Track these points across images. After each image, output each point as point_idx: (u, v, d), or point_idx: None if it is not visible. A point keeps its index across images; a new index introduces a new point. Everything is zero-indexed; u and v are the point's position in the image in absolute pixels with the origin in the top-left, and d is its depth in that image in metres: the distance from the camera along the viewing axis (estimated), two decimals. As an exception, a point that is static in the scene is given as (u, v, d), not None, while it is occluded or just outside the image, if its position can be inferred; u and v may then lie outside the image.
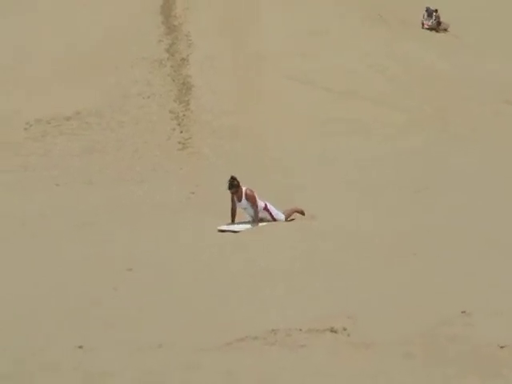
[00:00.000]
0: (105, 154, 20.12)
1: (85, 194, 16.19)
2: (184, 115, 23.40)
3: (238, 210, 12.62)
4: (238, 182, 12.53)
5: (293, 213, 12.65)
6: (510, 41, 33.28)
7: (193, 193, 15.85)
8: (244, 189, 12.48)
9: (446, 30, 35.69)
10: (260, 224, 12.31)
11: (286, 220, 12.48)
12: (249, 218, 12.59)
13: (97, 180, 17.85)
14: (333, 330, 6.63)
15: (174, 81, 26.95)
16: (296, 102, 24.20)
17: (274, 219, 12.43)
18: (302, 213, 12.71)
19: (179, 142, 21.14)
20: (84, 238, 11.55)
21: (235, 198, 12.50)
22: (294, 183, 15.80)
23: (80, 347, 6.65)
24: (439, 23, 35.52)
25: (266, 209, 12.49)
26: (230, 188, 12.48)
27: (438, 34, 34.78)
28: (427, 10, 36.13)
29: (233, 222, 12.49)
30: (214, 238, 11.31)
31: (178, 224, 12.45)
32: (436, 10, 35.54)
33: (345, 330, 6.64)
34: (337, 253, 9.51)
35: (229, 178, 12.66)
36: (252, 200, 12.36)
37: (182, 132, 21.99)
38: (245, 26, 34.07)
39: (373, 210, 12.62)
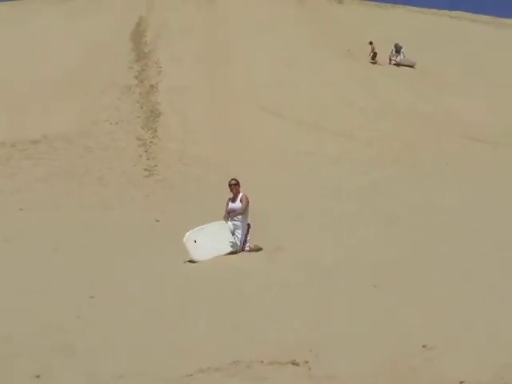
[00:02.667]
0: (70, 179, 20.01)
1: (49, 220, 16.04)
2: (151, 142, 23.44)
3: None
4: (238, 182, 12.95)
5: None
6: (474, 79, 34.01)
7: (158, 220, 15.79)
8: (241, 194, 12.80)
9: (412, 66, 36.36)
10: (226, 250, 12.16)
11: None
12: (231, 226, 12.52)
13: (62, 205, 17.71)
14: (294, 363, 6.60)
15: (142, 108, 27.02)
16: (267, 133, 24.41)
17: (244, 239, 12.54)
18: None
19: (145, 169, 21.11)
20: (48, 264, 11.42)
21: (229, 201, 12.76)
22: (263, 214, 15.83)
23: (37, 377, 6.54)
24: (375, 54, 36.24)
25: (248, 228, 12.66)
26: (232, 180, 12.89)
27: (406, 71, 35.41)
28: (396, 46, 36.86)
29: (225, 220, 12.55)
30: (178, 265, 11.24)
31: (143, 251, 12.37)
32: (371, 42, 36.26)
33: (306, 362, 6.62)
34: (303, 285, 9.49)
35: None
36: (245, 203, 12.64)
37: (148, 159, 22.00)
38: (217, 56, 34.36)
39: (342, 241, 12.66)
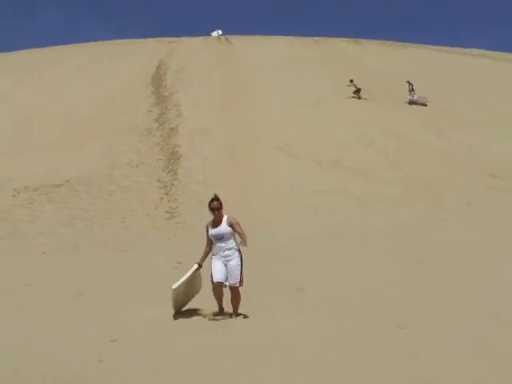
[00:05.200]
0: (92, 222, 20.12)
1: (71, 263, 16.11)
2: (172, 184, 23.53)
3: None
4: (221, 203, 10.58)
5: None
6: (491, 114, 33.93)
7: (180, 263, 15.75)
8: (226, 216, 10.55)
9: (425, 105, 36.25)
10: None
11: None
12: (220, 252, 10.47)
13: (84, 248, 17.79)
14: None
15: (162, 150, 27.23)
16: (286, 174, 24.43)
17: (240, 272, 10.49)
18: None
19: (167, 212, 21.17)
20: (69, 308, 11.44)
21: (210, 226, 10.54)
22: (284, 254, 15.81)
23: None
24: (358, 90, 36.49)
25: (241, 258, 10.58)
26: (215, 202, 10.48)
27: (423, 108, 35.41)
28: (409, 83, 36.85)
29: (202, 259, 10.65)
30: (200, 310, 11.19)
31: (164, 294, 12.32)
32: (351, 80, 36.65)
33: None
34: (328, 325, 9.44)
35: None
36: (236, 226, 10.43)
37: (169, 201, 22.07)
38: (235, 99, 34.65)
39: (363, 282, 12.60)
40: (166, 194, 22.71)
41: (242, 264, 10.56)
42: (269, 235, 18.30)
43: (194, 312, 11.00)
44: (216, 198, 10.54)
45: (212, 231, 10.48)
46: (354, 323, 9.52)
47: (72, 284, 13.45)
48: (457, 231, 18.08)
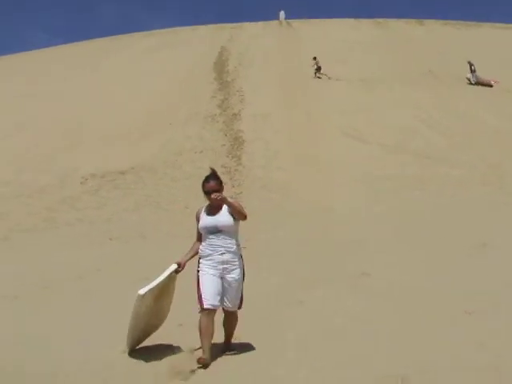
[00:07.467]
0: (158, 208, 20.39)
1: (138, 249, 16.37)
2: (236, 170, 23.66)
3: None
4: (222, 182, 7.72)
5: None
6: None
7: (244, 247, 15.87)
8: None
9: (491, 85, 35.24)
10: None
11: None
12: (214, 255, 7.48)
13: (150, 235, 18.04)
14: (385, 393, 6.53)
15: (226, 136, 27.42)
16: (349, 158, 24.27)
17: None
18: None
19: (231, 197, 21.23)
20: (135, 294, 11.63)
21: (204, 212, 7.57)
22: (347, 239, 15.72)
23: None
24: (319, 68, 35.86)
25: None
26: (209, 181, 7.59)
27: (488, 90, 34.52)
28: (470, 64, 35.89)
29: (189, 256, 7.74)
30: (266, 292, 11.25)
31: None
32: (315, 58, 35.99)
33: (397, 392, 6.54)
34: (391, 311, 9.34)
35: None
36: (240, 214, 7.43)
37: (233, 187, 22.20)
38: (296, 83, 34.58)
39: (428, 266, 12.43)
40: (230, 179, 22.83)
41: (243, 278, 7.73)
42: (332, 219, 18.27)
43: None
44: (213, 176, 7.66)
45: (205, 220, 7.49)
46: (419, 308, 9.42)
47: (140, 270, 13.64)
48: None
